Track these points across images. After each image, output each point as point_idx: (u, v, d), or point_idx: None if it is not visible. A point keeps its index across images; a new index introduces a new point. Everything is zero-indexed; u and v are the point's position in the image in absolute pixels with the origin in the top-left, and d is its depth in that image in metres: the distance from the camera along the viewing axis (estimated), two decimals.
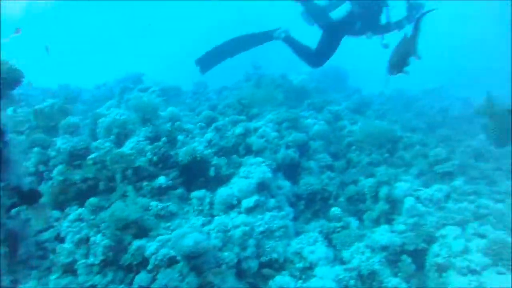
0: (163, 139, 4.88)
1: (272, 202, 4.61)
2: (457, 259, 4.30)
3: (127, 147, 4.82)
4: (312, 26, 5.12)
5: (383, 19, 5.08)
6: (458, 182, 5.99)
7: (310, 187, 5.21)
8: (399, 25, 4.89)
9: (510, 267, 4.09)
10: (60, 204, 4.47)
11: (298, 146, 5.85)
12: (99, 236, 3.99)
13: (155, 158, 4.71)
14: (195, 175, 4.95)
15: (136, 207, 4.16)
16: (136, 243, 3.92)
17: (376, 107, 9.57)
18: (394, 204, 5.09)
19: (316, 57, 4.79)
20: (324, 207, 5.46)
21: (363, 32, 4.82)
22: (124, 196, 4.43)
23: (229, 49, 5.11)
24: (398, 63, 3.04)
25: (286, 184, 5.11)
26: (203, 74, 4.87)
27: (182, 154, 4.72)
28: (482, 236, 4.75)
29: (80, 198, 4.54)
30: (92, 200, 4.36)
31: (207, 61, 5.04)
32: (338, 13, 5.09)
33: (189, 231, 3.73)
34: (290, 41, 4.66)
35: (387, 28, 4.99)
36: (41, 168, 4.77)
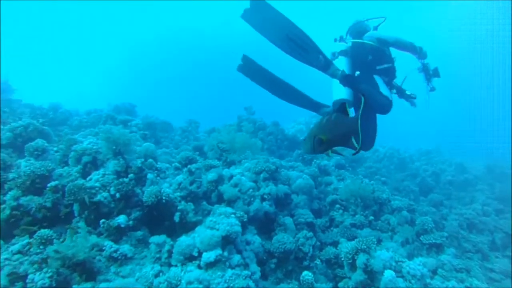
0: (131, 175, 4.46)
1: (237, 258, 4.08)
2: None
3: (91, 179, 4.38)
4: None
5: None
6: (447, 255, 5.47)
7: (283, 245, 4.70)
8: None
9: None
10: (9, 232, 3.98)
11: (276, 199, 5.39)
12: (38, 275, 3.48)
13: (118, 195, 4.26)
14: (160, 218, 4.49)
15: (86, 245, 3.66)
16: None
17: (368, 164, 9.19)
18: (373, 275, 4.54)
19: (363, 140, 4.28)
20: (298, 267, 4.94)
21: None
22: (77, 231, 3.94)
23: (275, 86, 4.61)
24: (332, 141, 2.33)
25: (256, 239, 4.60)
26: (237, 70, 4.40)
27: (147, 194, 4.27)
28: None
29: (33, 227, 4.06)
30: (43, 232, 3.87)
31: (250, 70, 4.54)
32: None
33: (131, 282, 3.22)
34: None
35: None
36: None
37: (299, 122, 13.14)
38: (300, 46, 4.23)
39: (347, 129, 2.15)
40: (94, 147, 4.83)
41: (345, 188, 6.15)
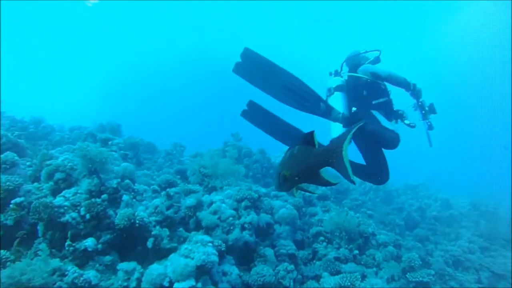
0: (104, 196, 4.11)
1: None
2: None
3: (60, 198, 4.02)
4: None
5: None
6: None
7: (262, 278, 4.33)
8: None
9: None
10: None
11: (258, 229, 5.06)
12: None
13: (88, 216, 3.90)
14: (133, 243, 4.12)
15: (45, 270, 3.27)
16: None
17: (354, 196, 8.92)
18: None
19: (376, 174, 4.08)
20: None
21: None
22: (37, 254, 3.55)
23: (281, 133, 4.37)
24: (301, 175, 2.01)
25: (234, 270, 4.23)
26: (240, 116, 4.16)
27: (119, 216, 3.93)
28: None
29: None
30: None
31: (256, 116, 4.29)
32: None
33: None
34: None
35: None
36: None
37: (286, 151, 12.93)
38: (299, 95, 4.02)
39: (315, 161, 1.79)
40: (69, 163, 4.48)
41: (330, 220, 5.84)
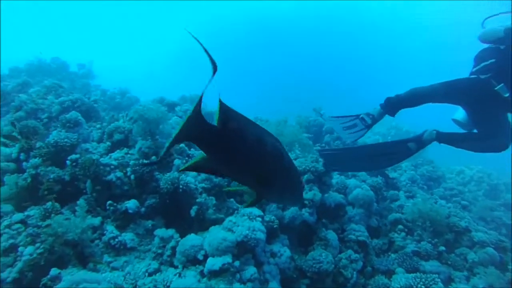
0: (153, 158, 3.74)
1: (251, 271, 3.08)
2: None
3: (111, 157, 3.76)
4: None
5: None
6: None
7: (319, 264, 3.56)
8: None
9: None
10: (25, 201, 3.53)
11: (323, 208, 4.25)
12: (29, 248, 2.93)
13: (132, 177, 3.56)
14: (179, 209, 3.69)
15: (79, 226, 3.01)
16: (54, 272, 2.74)
17: (449, 185, 7.40)
18: None
19: (495, 137, 3.62)
20: None
21: None
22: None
23: (358, 159, 4.41)
24: None
25: (285, 252, 3.53)
26: (327, 169, 4.35)
27: (163, 180, 3.51)
28: None
29: (47, 199, 3.55)
30: (49, 204, 3.34)
31: (333, 160, 4.38)
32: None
33: (99, 279, 2.46)
34: (446, 137, 3.67)
35: None
36: (22, 156, 3.91)
37: (375, 132, 11.52)
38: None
39: None
40: (128, 125, 4.25)
41: (413, 207, 4.75)
